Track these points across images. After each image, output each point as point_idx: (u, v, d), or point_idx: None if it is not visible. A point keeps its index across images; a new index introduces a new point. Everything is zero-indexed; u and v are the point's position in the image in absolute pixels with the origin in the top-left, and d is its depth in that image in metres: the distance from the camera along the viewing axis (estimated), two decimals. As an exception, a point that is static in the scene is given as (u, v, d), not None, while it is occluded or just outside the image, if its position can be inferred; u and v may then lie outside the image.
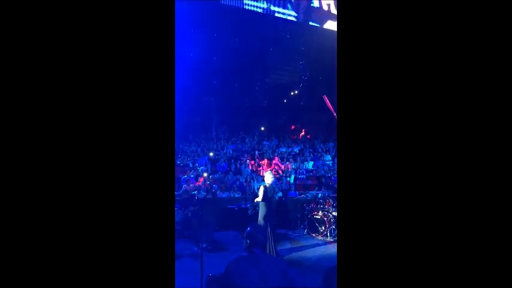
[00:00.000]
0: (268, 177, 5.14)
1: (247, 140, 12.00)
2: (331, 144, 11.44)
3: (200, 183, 7.96)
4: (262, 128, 13.76)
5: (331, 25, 8.35)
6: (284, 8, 7.78)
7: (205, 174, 8.54)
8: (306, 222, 6.65)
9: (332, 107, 9.28)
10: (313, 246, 5.83)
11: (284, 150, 11.03)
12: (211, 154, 10.12)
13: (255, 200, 5.32)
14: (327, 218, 6.29)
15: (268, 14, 7.59)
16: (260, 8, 7.57)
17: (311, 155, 10.60)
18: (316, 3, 8.09)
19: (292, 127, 12.91)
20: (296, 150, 11.09)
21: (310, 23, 8.11)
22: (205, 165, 9.35)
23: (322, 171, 9.13)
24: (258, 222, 4.88)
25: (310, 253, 5.43)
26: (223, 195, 7.77)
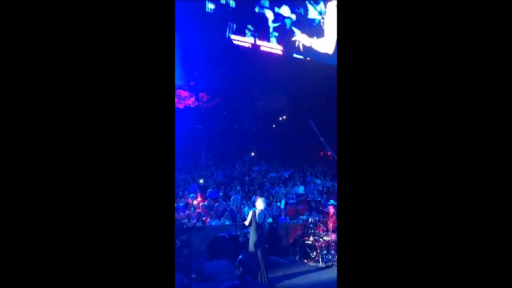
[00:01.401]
0: (260, 204, 5.15)
1: (237, 165, 12.01)
2: (320, 168, 11.54)
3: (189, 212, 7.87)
4: (252, 154, 13.85)
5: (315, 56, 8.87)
6: (268, 41, 8.22)
7: (195, 202, 8.46)
8: (297, 248, 6.59)
9: (318, 131, 9.51)
10: (305, 272, 5.76)
11: (274, 175, 11.06)
12: (201, 181, 10.06)
13: (244, 223, 5.30)
14: (318, 243, 6.25)
15: (255, 48, 8.02)
16: (247, 42, 7.97)
17: (301, 179, 10.64)
18: (299, 38, 8.59)
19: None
20: (286, 175, 11.13)
21: (294, 55, 8.56)
22: (195, 193, 9.28)
23: (313, 195, 9.15)
24: (249, 249, 4.84)
25: (302, 280, 5.36)
26: (214, 223, 7.68)
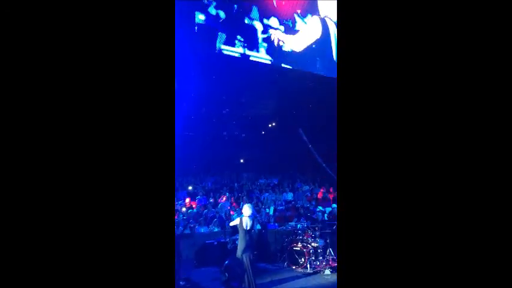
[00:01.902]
0: (246, 210, 5.17)
1: (226, 172, 12.04)
2: (309, 175, 11.66)
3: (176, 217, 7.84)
4: (242, 160, 13.88)
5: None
6: (258, 51, 8.43)
7: (183, 209, 8.44)
8: (285, 255, 6.63)
9: (306, 139, 9.67)
10: (293, 278, 5.80)
11: (263, 181, 11.12)
12: (190, 188, 10.04)
13: (230, 224, 5.31)
14: (307, 249, 6.31)
15: (244, 58, 8.21)
16: (237, 52, 8.13)
17: (289, 185, 10.73)
18: (287, 48, 8.84)
19: None
20: (275, 181, 11.20)
21: (283, 65, 8.78)
22: (183, 200, 9.25)
23: (301, 202, 9.23)
24: (237, 256, 4.86)
25: (290, 286, 5.39)
26: (202, 230, 7.66)
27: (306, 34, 9.05)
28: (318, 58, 9.20)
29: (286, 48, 8.87)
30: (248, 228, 5.00)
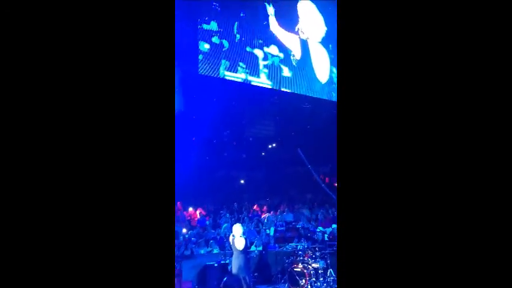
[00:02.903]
0: (237, 230, 5.20)
1: (226, 192, 12.07)
2: (309, 196, 11.70)
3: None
4: (242, 181, 13.94)
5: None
6: (258, 77, 8.86)
7: (184, 230, 8.43)
8: (286, 276, 6.59)
9: (305, 159, 9.82)
10: (294, 300, 5.76)
11: (263, 202, 11.14)
12: (190, 209, 10.06)
13: (230, 236, 5.32)
14: (307, 270, 6.29)
15: (246, 83, 8.62)
16: (239, 78, 8.54)
17: (289, 206, 10.75)
18: (286, 74, 9.29)
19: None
20: (275, 202, 11.23)
21: (282, 89, 9.17)
22: (183, 214, 9.26)
23: (301, 222, 9.24)
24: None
25: (291, 307, 5.35)
26: (202, 251, 7.64)
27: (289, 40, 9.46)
28: (303, 80, 9.62)
29: (285, 73, 9.27)
30: (241, 248, 5.02)
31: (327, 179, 11.50)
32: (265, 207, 9.53)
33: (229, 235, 8.29)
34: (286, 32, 9.39)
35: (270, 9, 9.21)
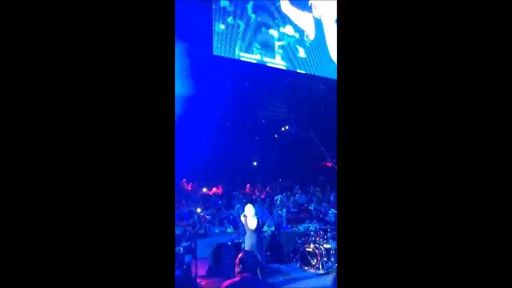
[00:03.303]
0: (249, 210, 5.31)
1: (239, 174, 12.22)
2: (321, 178, 11.73)
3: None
4: (255, 163, 14.05)
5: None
6: (274, 58, 8.76)
7: (198, 210, 8.64)
8: (298, 256, 6.73)
9: (319, 142, 9.80)
10: (305, 278, 5.90)
11: (276, 184, 11.24)
12: (204, 190, 10.27)
13: (241, 216, 5.45)
14: (319, 250, 6.40)
15: (261, 64, 8.55)
16: (254, 59, 8.46)
17: (302, 188, 10.81)
18: (301, 54, 9.11)
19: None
20: (288, 184, 11.32)
21: (298, 70, 9.04)
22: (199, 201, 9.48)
23: (314, 204, 9.31)
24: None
25: (302, 285, 5.50)
26: (217, 230, 7.85)
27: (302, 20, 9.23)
28: (318, 61, 9.44)
29: (301, 54, 9.11)
30: (253, 228, 5.14)
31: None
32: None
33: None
34: (299, 11, 9.16)
35: None
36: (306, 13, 9.25)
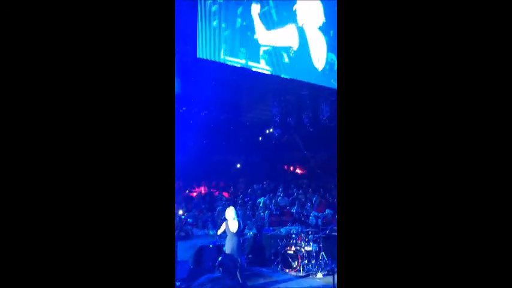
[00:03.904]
0: (229, 213, 5.31)
1: (223, 176, 12.20)
2: (305, 181, 11.86)
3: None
4: (238, 165, 14.06)
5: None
6: (259, 63, 8.78)
7: (180, 212, 8.57)
8: (279, 258, 6.78)
9: (302, 145, 9.92)
10: (285, 281, 5.95)
11: (258, 186, 11.28)
12: (186, 191, 10.19)
13: (217, 233, 5.43)
14: (300, 253, 6.47)
15: (245, 68, 8.56)
16: (239, 63, 8.47)
17: (285, 191, 10.90)
18: (286, 60, 9.20)
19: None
20: (270, 186, 11.38)
21: (283, 75, 9.11)
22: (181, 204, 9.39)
23: (296, 207, 9.40)
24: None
25: (281, 287, 5.55)
26: (199, 233, 7.80)
27: (282, 38, 9.30)
28: (302, 67, 9.57)
29: (285, 60, 9.18)
30: (234, 230, 5.15)
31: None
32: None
33: (224, 218, 8.49)
34: (279, 30, 9.15)
35: (255, 8, 8.70)
36: (288, 26, 9.28)
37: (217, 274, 2.36)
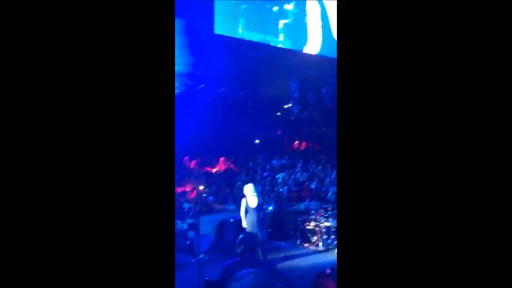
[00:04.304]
0: (248, 189, 5.40)
1: (241, 152, 12.33)
2: (324, 157, 11.80)
3: (194, 195, 8.23)
4: (257, 141, 14.11)
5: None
6: (277, 36, 8.52)
7: (201, 187, 8.80)
8: (298, 233, 6.91)
9: (321, 120, 9.77)
10: (305, 255, 6.10)
11: (277, 162, 11.35)
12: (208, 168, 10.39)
13: (240, 213, 5.54)
14: (319, 228, 6.57)
15: (264, 44, 8.33)
16: (257, 38, 8.25)
17: (303, 167, 10.92)
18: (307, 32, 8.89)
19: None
20: (289, 162, 11.42)
21: (304, 51, 8.84)
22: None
23: (315, 183, 9.44)
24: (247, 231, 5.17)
25: (302, 261, 5.70)
26: (219, 208, 8.04)
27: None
28: (323, 40, 9.22)
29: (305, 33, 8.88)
30: (253, 206, 5.25)
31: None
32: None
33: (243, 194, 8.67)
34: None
35: None
36: None
37: (237, 259, 2.42)
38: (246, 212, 5.40)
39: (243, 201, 5.36)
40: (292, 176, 10.12)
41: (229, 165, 10.45)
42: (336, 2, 8.78)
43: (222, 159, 10.25)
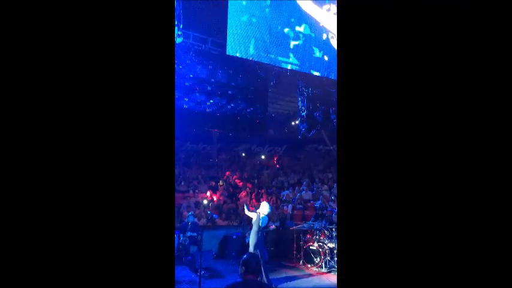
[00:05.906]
0: (264, 208, 5.38)
1: (247, 168, 12.33)
2: (330, 175, 11.71)
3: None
4: (263, 157, 14.13)
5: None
6: (288, 57, 8.67)
7: (204, 202, 8.78)
8: (301, 253, 6.81)
9: (328, 140, 9.78)
10: (308, 276, 5.98)
11: (282, 179, 11.29)
12: (213, 183, 10.40)
13: (246, 213, 5.50)
14: (323, 249, 6.46)
15: (275, 63, 8.48)
16: (268, 57, 8.39)
17: (309, 185, 10.84)
18: (317, 54, 9.01)
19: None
20: (295, 179, 11.36)
21: (313, 72, 8.96)
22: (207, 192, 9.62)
23: (320, 202, 9.35)
24: (250, 250, 5.12)
25: (304, 283, 5.58)
26: (223, 223, 7.99)
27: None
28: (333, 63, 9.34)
29: (316, 54, 9.02)
30: (263, 225, 5.23)
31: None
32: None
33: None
34: (319, 8, 9.02)
35: None
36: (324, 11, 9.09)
37: (238, 280, 2.40)
38: (249, 227, 5.37)
39: (255, 215, 5.31)
40: (298, 194, 10.04)
41: (234, 179, 10.46)
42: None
43: (227, 173, 10.27)
